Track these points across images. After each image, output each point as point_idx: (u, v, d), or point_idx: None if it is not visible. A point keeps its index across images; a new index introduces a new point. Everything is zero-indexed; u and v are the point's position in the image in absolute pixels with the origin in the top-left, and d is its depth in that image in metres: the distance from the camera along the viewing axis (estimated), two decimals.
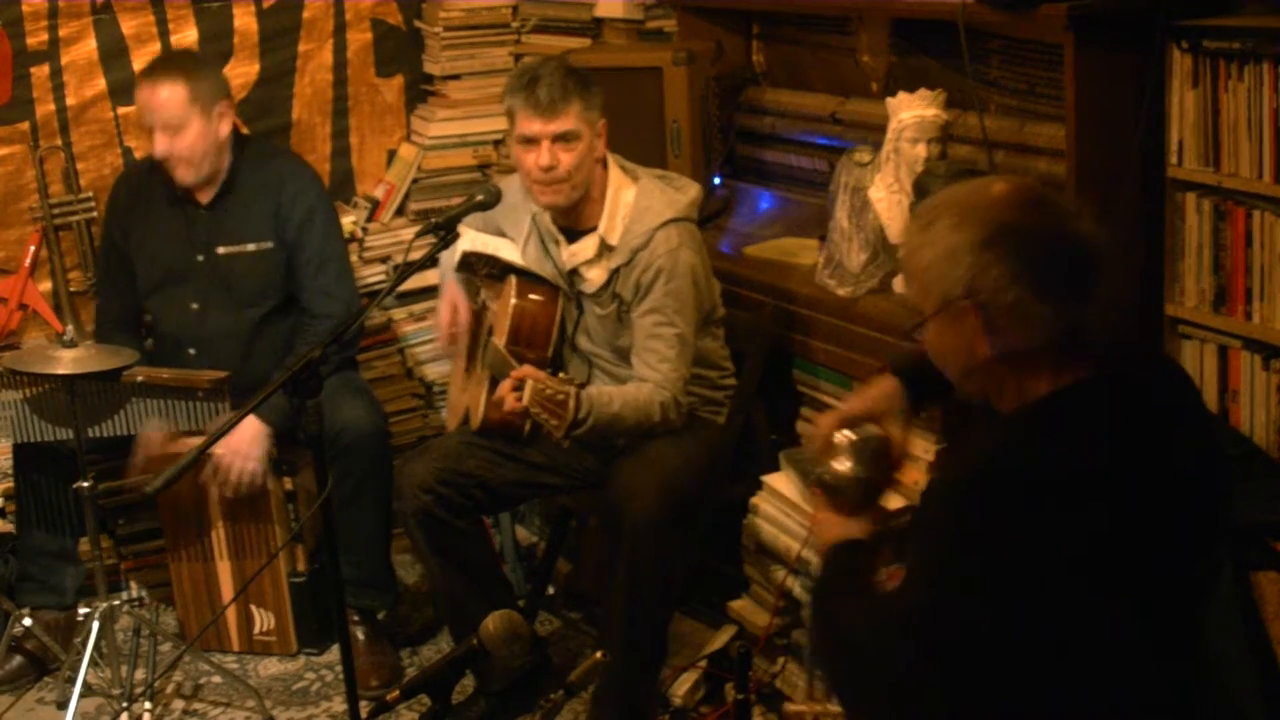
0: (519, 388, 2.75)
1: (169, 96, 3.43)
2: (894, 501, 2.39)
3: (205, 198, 3.57)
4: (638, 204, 3.10)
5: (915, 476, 2.93)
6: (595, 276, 3.13)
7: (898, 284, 3.09)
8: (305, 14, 4.16)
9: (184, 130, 3.45)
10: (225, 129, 3.54)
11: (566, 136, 3.02)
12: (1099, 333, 1.89)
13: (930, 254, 1.90)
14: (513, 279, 3.23)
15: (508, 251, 3.29)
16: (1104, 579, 1.79)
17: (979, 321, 1.87)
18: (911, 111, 3.05)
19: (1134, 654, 1.83)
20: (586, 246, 3.13)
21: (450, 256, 3.33)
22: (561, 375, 2.76)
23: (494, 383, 3.13)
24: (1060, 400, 1.86)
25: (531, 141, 3.04)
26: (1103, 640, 1.80)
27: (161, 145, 3.46)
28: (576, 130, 3.02)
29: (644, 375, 3.04)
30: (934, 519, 1.87)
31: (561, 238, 3.17)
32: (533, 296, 3.20)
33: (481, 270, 3.36)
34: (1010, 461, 1.83)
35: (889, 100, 3.12)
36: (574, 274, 3.17)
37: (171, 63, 3.54)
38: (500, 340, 3.16)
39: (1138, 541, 1.81)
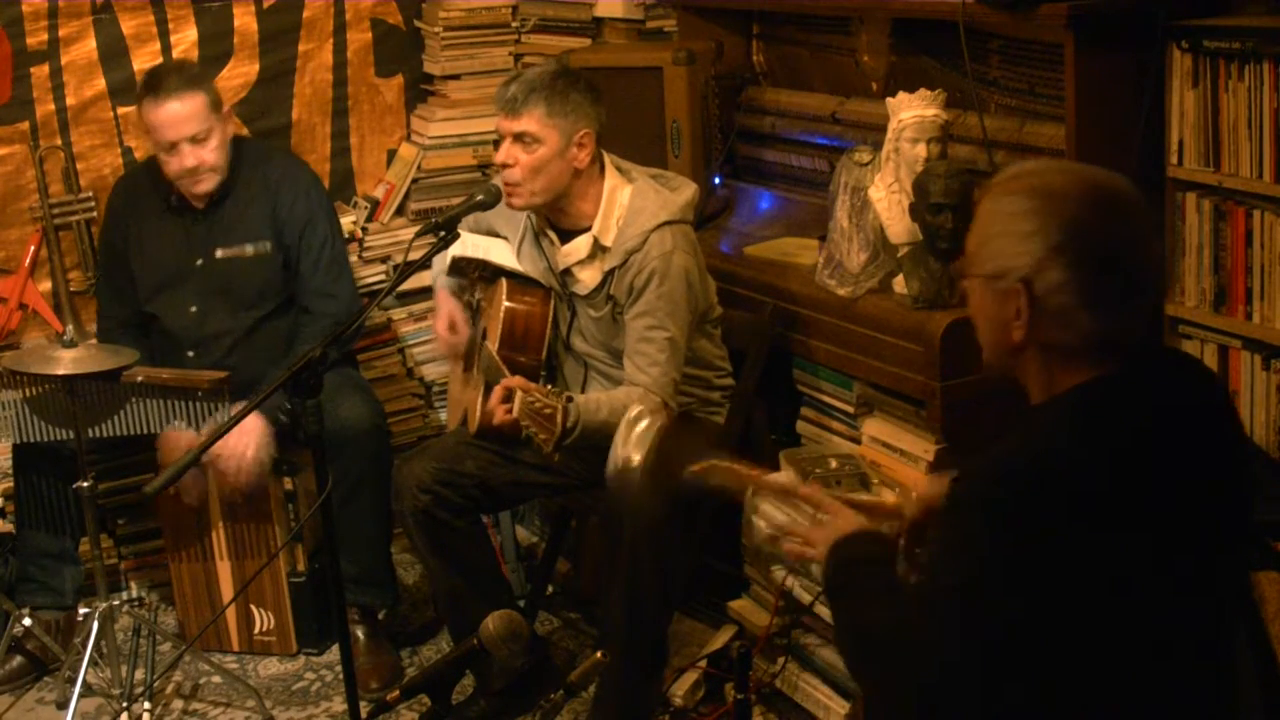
0: (508, 399, 2.76)
1: (192, 109, 3.41)
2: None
3: (202, 202, 3.57)
4: (632, 205, 3.10)
5: (916, 477, 2.94)
6: (588, 278, 3.13)
7: (898, 284, 3.09)
8: (305, 14, 4.16)
9: (209, 140, 3.45)
10: (230, 131, 3.55)
11: (524, 138, 3.02)
12: (1136, 337, 1.90)
13: (1002, 226, 1.90)
14: (504, 282, 3.22)
15: (499, 254, 3.28)
16: (1128, 575, 1.79)
17: (1023, 306, 1.87)
18: (911, 111, 3.05)
19: (1157, 651, 1.83)
20: (580, 247, 3.12)
21: (441, 260, 3.33)
22: (550, 387, 2.76)
23: (489, 387, 3.13)
24: (1087, 396, 1.86)
25: (502, 139, 3.07)
26: (1125, 636, 1.81)
27: (190, 159, 3.44)
28: (536, 134, 3.01)
29: (634, 379, 3.04)
30: (962, 507, 1.88)
31: (555, 238, 3.17)
32: (524, 299, 3.20)
33: (473, 273, 3.36)
34: (1037, 456, 1.83)
35: (889, 100, 3.12)
36: (567, 274, 3.17)
37: (180, 73, 3.47)
38: (493, 344, 3.16)
39: (1162, 539, 1.81)
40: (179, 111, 3.40)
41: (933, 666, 1.83)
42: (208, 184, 3.51)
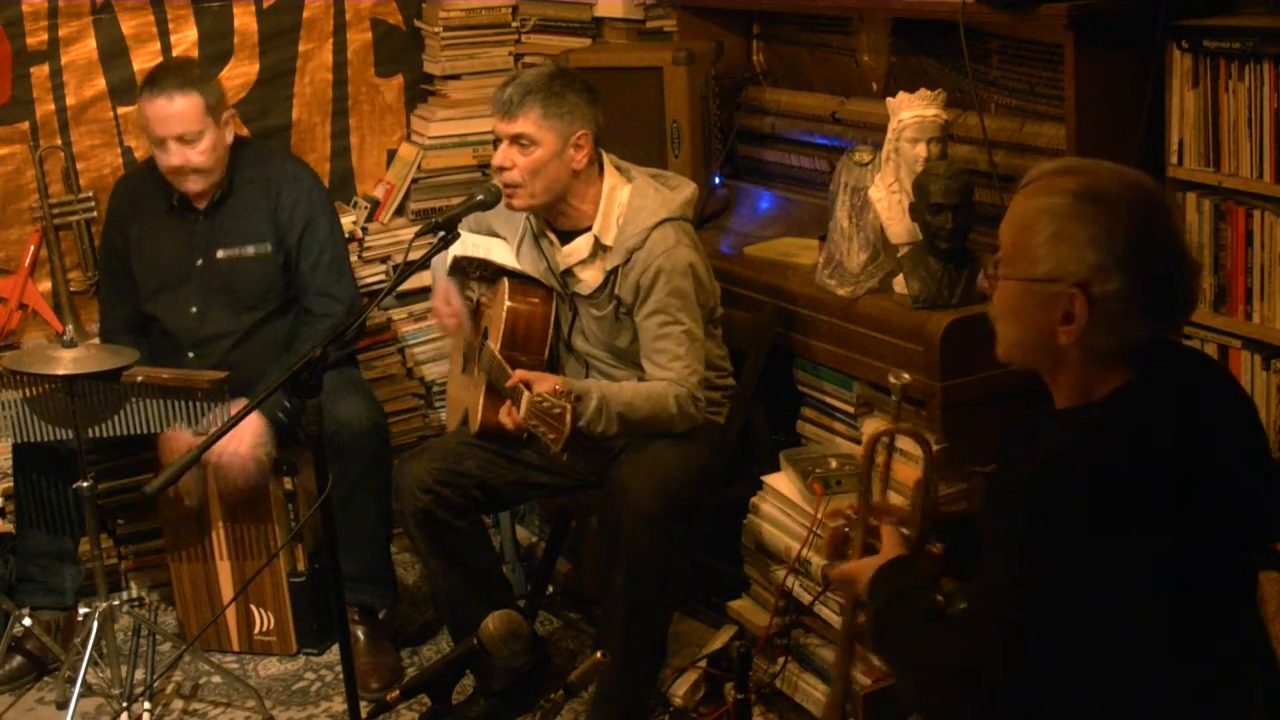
0: (517, 398, 2.76)
1: (186, 108, 3.41)
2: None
3: (203, 202, 3.57)
4: (631, 204, 3.10)
5: (915, 475, 2.93)
6: (590, 278, 3.13)
7: (898, 284, 3.09)
8: (305, 14, 4.16)
9: (199, 141, 3.45)
10: (230, 136, 3.55)
11: (521, 140, 3.02)
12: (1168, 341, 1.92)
13: (1053, 227, 1.86)
14: (506, 281, 3.22)
15: (500, 254, 3.28)
16: (1165, 577, 1.80)
17: (1079, 311, 1.85)
18: (911, 111, 3.05)
19: (1184, 651, 1.84)
20: (580, 247, 3.13)
21: (442, 259, 3.33)
22: (559, 385, 2.75)
23: (491, 387, 3.13)
24: (1130, 400, 1.86)
25: (499, 140, 3.07)
26: (1170, 637, 1.82)
27: (177, 158, 3.44)
28: (532, 136, 3.01)
29: (657, 377, 3.04)
30: (1001, 515, 1.87)
31: (555, 238, 3.17)
32: (527, 299, 3.20)
33: (474, 273, 3.36)
34: (1075, 460, 1.82)
35: (889, 100, 3.12)
36: (568, 275, 3.17)
37: (180, 73, 3.48)
38: (495, 344, 3.15)
39: (1195, 542, 1.82)
40: (169, 109, 3.41)
41: (995, 677, 1.82)
42: (194, 185, 3.51)
